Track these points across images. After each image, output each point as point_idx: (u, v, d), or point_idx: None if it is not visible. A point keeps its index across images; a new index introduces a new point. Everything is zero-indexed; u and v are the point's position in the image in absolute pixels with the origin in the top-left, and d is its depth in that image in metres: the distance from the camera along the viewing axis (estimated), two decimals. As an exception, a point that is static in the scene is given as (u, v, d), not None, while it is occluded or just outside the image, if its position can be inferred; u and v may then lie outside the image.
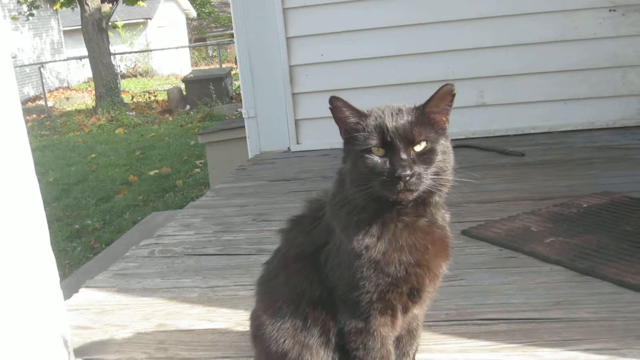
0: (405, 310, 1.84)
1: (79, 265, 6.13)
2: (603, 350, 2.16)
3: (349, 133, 1.75)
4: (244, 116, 6.23)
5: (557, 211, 3.60)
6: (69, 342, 2.41)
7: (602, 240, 3.10)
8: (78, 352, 2.50)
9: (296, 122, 6.08)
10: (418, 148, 1.68)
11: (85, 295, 3.13)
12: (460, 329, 2.43)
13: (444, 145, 1.72)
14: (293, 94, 6.01)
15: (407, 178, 1.63)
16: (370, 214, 1.74)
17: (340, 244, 1.78)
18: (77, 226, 7.82)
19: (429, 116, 1.71)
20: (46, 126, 16.47)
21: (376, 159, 1.68)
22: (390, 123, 1.68)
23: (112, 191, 9.31)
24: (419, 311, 1.92)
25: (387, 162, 1.66)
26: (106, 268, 3.50)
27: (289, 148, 6.13)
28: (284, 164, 5.70)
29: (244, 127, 6.35)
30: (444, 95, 1.71)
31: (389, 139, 1.67)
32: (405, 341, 1.96)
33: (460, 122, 5.74)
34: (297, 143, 6.11)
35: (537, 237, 3.22)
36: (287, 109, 6.04)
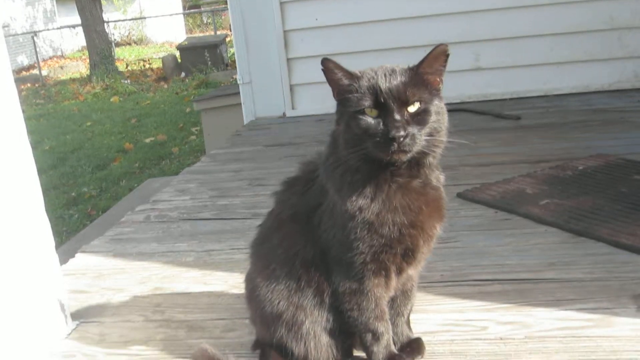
0: (400, 271, 1.85)
1: (76, 232, 6.14)
2: (597, 310, 2.18)
3: (341, 94, 1.73)
4: (238, 82, 6.20)
5: (552, 173, 3.60)
6: (65, 306, 2.43)
7: (597, 202, 3.11)
8: (75, 315, 2.51)
9: (291, 87, 6.05)
10: (412, 109, 1.67)
11: (81, 260, 3.14)
12: (454, 289, 2.44)
13: (437, 106, 1.71)
14: (288, 59, 5.98)
15: (401, 139, 1.63)
16: (363, 175, 1.74)
17: (334, 205, 1.78)
18: (73, 194, 7.82)
19: (422, 77, 1.70)
20: (41, 95, 16.40)
21: (369, 120, 1.67)
22: (383, 84, 1.66)
23: (108, 159, 9.31)
24: (413, 272, 1.92)
25: (381, 123, 1.66)
26: (101, 234, 3.50)
27: (284, 113, 6.11)
28: (279, 130, 5.69)
29: (239, 93, 6.32)
30: (438, 56, 1.69)
31: (382, 100, 1.66)
32: (400, 301, 1.96)
33: (456, 86, 5.71)
34: (292, 108, 6.09)
35: (532, 199, 3.23)
36: (282, 74, 6.01)
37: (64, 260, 3.00)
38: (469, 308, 2.29)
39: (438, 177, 1.82)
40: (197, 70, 16.31)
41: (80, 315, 2.54)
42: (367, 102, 1.67)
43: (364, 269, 1.77)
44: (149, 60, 20.53)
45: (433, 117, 1.69)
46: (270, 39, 5.97)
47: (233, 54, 16.99)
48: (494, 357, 1.95)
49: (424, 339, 2.02)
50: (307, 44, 5.91)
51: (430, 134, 1.69)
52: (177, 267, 2.93)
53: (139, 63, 20.16)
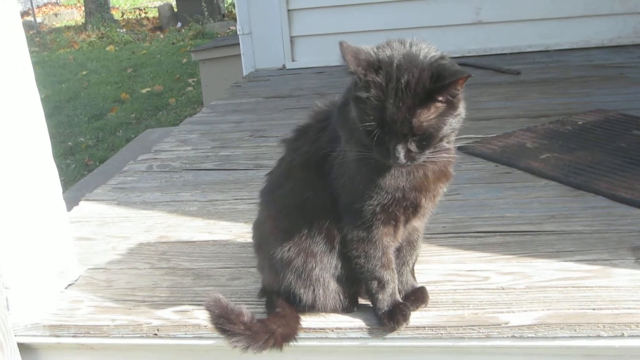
0: (406, 222, 1.89)
1: (74, 182, 6.15)
2: (596, 261, 2.22)
3: (355, 82, 1.69)
4: (238, 33, 6.15)
5: (552, 128, 3.63)
6: (72, 252, 2.46)
7: (596, 156, 3.14)
8: (81, 262, 2.54)
9: (291, 39, 6.01)
10: (419, 132, 1.64)
11: (85, 207, 3.16)
12: (456, 241, 2.49)
13: (449, 122, 1.67)
14: (288, 10, 5.91)
15: (401, 164, 1.66)
16: None
17: (345, 154, 1.80)
18: (70, 143, 7.80)
19: (435, 99, 1.64)
20: (35, 43, 16.20)
21: (374, 137, 1.66)
22: (389, 109, 1.61)
23: (105, 109, 9.26)
24: (419, 224, 1.96)
25: (385, 140, 1.66)
26: (103, 183, 3.53)
27: (284, 65, 6.08)
28: (279, 81, 5.68)
29: (238, 44, 6.30)
30: (456, 84, 1.64)
31: (386, 129, 1.64)
32: (406, 251, 2.00)
33: (457, 41, 5.70)
34: (293, 60, 6.06)
35: (532, 153, 3.26)
36: (283, 25, 5.95)
37: (67, 208, 3.02)
38: (470, 259, 2.33)
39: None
40: (194, 20, 16.14)
41: (87, 262, 2.57)
42: (372, 124, 1.64)
43: (373, 218, 1.81)
44: (144, 9, 20.27)
45: (438, 138, 1.67)
46: (271, -11, 5.91)
47: (230, 4, 16.80)
48: (495, 306, 2.00)
49: (428, 288, 2.07)
50: (308, -5, 5.86)
51: (434, 151, 1.70)
52: (181, 216, 2.97)
53: (134, 12, 19.88)
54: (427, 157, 1.69)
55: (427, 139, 1.66)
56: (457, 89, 1.65)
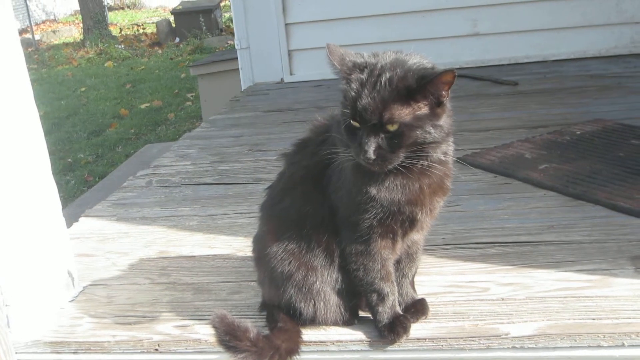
0: (404, 235, 1.89)
1: (73, 198, 6.15)
2: (596, 271, 2.23)
3: (343, 78, 1.73)
4: (236, 47, 6.17)
5: (550, 138, 3.63)
6: (72, 268, 2.46)
7: (594, 166, 3.15)
8: (81, 278, 2.54)
9: (289, 53, 6.04)
10: (390, 128, 1.65)
11: (85, 224, 3.17)
12: (456, 252, 2.49)
13: (427, 126, 1.67)
14: (286, 25, 5.94)
15: (370, 161, 1.66)
16: None
17: (343, 167, 1.81)
18: (69, 160, 7.81)
19: (416, 99, 1.65)
20: (34, 60, 16.23)
21: (351, 128, 1.69)
22: (362, 100, 1.64)
23: (104, 125, 9.27)
24: (418, 237, 1.96)
25: (358, 134, 1.68)
26: (102, 199, 3.53)
27: (282, 79, 6.10)
28: (278, 95, 5.69)
29: (236, 58, 6.31)
30: (439, 82, 1.65)
31: (358, 118, 1.66)
32: (405, 263, 2.01)
33: (454, 52, 5.72)
34: (291, 74, 6.08)
35: (531, 164, 3.26)
36: (280, 39, 5.98)
37: (66, 224, 3.02)
38: (470, 270, 2.33)
39: (446, 151, 1.81)
40: (192, 35, 16.19)
41: (87, 279, 2.57)
42: (348, 114, 1.68)
43: (371, 231, 1.82)
44: (142, 25, 20.32)
45: (412, 139, 1.66)
46: (268, 4, 5.92)
47: (228, 19, 16.85)
48: (496, 317, 2.00)
49: (428, 300, 2.07)
50: (306, 9, 5.88)
51: (410, 153, 1.68)
52: (181, 231, 2.97)
53: (132, 28, 19.94)
54: (403, 162, 1.68)
55: (398, 137, 1.65)
56: (441, 88, 1.65)
